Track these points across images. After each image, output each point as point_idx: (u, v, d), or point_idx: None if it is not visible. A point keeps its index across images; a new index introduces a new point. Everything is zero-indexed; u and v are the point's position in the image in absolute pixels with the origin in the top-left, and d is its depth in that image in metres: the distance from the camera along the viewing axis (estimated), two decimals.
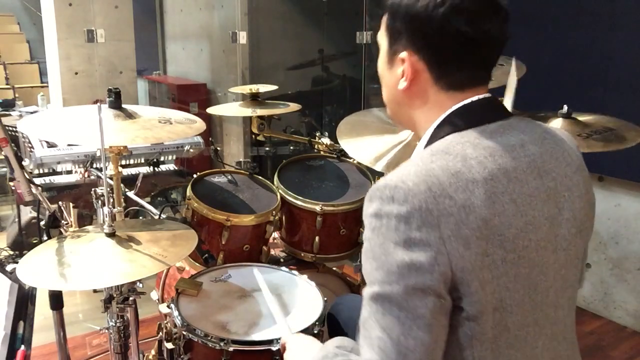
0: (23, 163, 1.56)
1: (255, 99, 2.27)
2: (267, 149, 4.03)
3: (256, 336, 1.45)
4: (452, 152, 0.85)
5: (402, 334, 0.78)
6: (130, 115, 1.55)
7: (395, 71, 0.94)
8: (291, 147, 3.28)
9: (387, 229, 0.80)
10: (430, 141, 0.92)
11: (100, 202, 1.66)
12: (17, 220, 3.10)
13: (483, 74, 0.94)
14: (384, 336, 0.79)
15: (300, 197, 2.01)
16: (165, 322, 1.60)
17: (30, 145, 2.56)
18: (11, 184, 2.41)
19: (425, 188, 0.79)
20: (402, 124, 1.04)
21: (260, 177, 2.16)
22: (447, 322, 0.82)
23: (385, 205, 0.80)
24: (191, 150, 2.68)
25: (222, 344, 1.40)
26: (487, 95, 0.93)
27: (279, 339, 1.40)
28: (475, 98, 0.92)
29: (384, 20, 0.97)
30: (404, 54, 0.91)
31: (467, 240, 0.79)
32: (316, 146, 2.33)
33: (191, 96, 4.85)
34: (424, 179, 0.80)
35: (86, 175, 2.38)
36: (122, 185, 1.66)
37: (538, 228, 0.87)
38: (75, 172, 2.49)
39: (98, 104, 1.33)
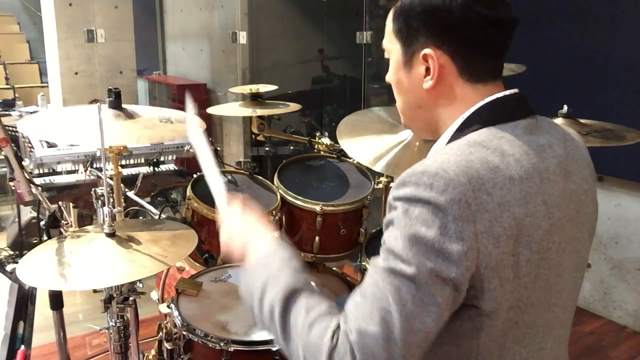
0: (23, 163, 1.56)
1: (255, 99, 2.27)
2: (267, 149, 4.03)
3: (256, 336, 1.45)
4: (489, 146, 0.84)
5: (412, 314, 0.76)
6: (130, 115, 1.55)
7: (415, 72, 0.92)
8: (291, 147, 3.28)
9: (421, 214, 0.78)
10: (458, 133, 0.90)
11: (100, 202, 1.66)
12: (17, 220, 3.10)
13: (499, 64, 0.93)
14: (393, 310, 0.76)
15: (300, 197, 2.01)
16: (165, 322, 1.60)
17: (30, 145, 2.56)
18: (11, 184, 2.41)
19: (466, 180, 0.78)
20: (421, 130, 1.02)
21: (260, 177, 2.16)
22: (449, 314, 0.81)
23: (421, 190, 0.78)
24: (191, 150, 2.68)
25: (222, 344, 1.40)
26: (516, 91, 0.93)
27: None
28: (505, 93, 0.91)
29: (390, 26, 0.95)
30: (427, 51, 0.89)
31: (498, 238, 0.79)
32: (316, 146, 2.33)
33: (191, 96, 4.85)
34: (464, 170, 0.79)
35: (88, 175, 2.38)
36: (122, 185, 1.66)
37: (561, 230, 0.87)
38: (77, 172, 2.49)
39: (98, 104, 1.33)
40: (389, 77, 1.00)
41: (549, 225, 0.85)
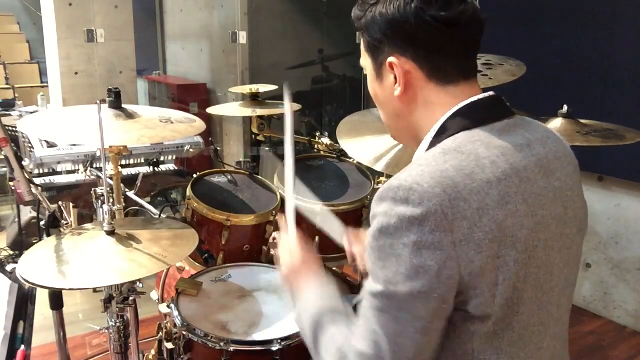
0: (23, 163, 1.56)
1: (255, 99, 2.26)
2: (267, 149, 4.03)
3: (256, 336, 1.45)
4: (464, 151, 0.84)
5: (398, 333, 0.79)
6: (130, 115, 1.55)
7: (387, 82, 0.95)
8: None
9: (398, 230, 0.79)
10: (436, 139, 0.91)
11: (100, 202, 1.66)
12: (17, 220, 3.10)
13: (470, 64, 0.94)
14: (380, 332, 0.80)
15: (300, 197, 2.00)
16: (165, 322, 1.60)
17: (30, 145, 2.56)
18: (11, 184, 2.41)
19: (441, 191, 0.78)
20: (406, 140, 1.03)
21: (260, 177, 2.16)
22: (444, 324, 0.83)
23: (398, 206, 0.79)
24: (191, 150, 2.68)
25: (222, 344, 1.40)
26: (492, 93, 0.93)
27: (279, 339, 1.40)
28: (481, 96, 0.92)
29: (362, 43, 0.98)
30: (391, 59, 0.91)
31: (479, 244, 0.79)
32: (316, 146, 2.33)
33: (191, 96, 4.85)
34: (439, 180, 0.79)
35: (88, 175, 2.38)
36: (122, 185, 1.66)
37: (546, 228, 0.87)
38: (77, 172, 2.48)
39: (98, 103, 1.33)
40: (371, 93, 1.02)
41: (533, 224, 0.85)
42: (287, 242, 1.23)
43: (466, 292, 0.80)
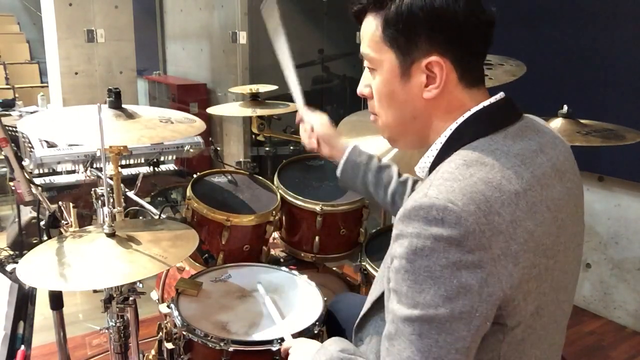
0: (23, 163, 1.56)
1: (255, 99, 2.26)
2: (267, 149, 4.03)
3: (256, 336, 1.45)
4: (487, 162, 0.81)
5: (439, 357, 0.76)
6: (130, 115, 1.55)
7: (414, 82, 0.88)
8: (291, 147, 3.27)
9: (434, 251, 0.75)
10: (449, 145, 0.88)
11: (100, 202, 1.66)
12: (17, 220, 3.10)
13: (483, 66, 0.93)
14: (417, 358, 0.77)
15: (300, 197, 2.01)
16: (165, 322, 1.60)
17: (30, 145, 2.56)
18: (11, 184, 2.41)
19: (475, 208, 0.75)
20: (410, 143, 0.98)
21: (260, 177, 2.16)
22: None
23: (432, 226, 0.76)
24: (191, 150, 2.68)
25: (222, 344, 1.40)
26: (503, 94, 0.92)
27: (279, 339, 1.40)
28: (493, 100, 0.90)
29: (377, 33, 0.89)
30: (433, 58, 0.85)
31: (516, 255, 0.77)
32: None
33: (191, 96, 4.85)
34: (471, 196, 0.76)
35: (88, 176, 2.38)
36: (122, 185, 1.66)
37: (565, 230, 0.87)
38: (77, 172, 2.48)
39: (98, 105, 1.33)
40: (374, 90, 0.94)
41: (556, 229, 0.85)
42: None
43: (505, 306, 0.79)
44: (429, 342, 0.76)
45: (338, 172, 1.40)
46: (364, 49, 0.93)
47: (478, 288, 0.75)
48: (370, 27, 0.90)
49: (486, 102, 0.89)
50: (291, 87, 1.52)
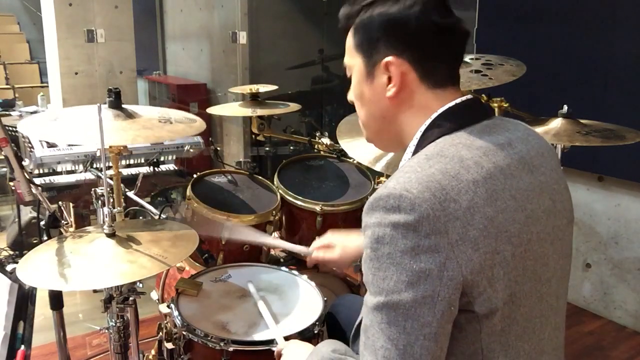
0: (23, 163, 1.56)
1: (255, 99, 2.26)
2: (267, 149, 4.03)
3: (256, 336, 1.45)
4: (447, 154, 0.85)
5: (409, 343, 0.79)
6: (130, 115, 1.55)
7: (378, 82, 0.95)
8: (291, 147, 3.28)
9: (393, 238, 0.79)
10: (420, 145, 0.93)
11: (100, 202, 1.66)
12: (17, 220, 3.10)
13: (457, 70, 0.97)
14: (389, 346, 0.79)
15: (300, 197, 2.01)
16: (165, 322, 1.60)
17: (30, 145, 2.56)
18: (11, 184, 2.41)
19: (430, 195, 0.79)
20: (386, 142, 1.05)
21: (260, 177, 2.16)
22: (451, 327, 0.83)
23: (390, 214, 0.80)
24: (191, 150, 2.68)
25: (222, 344, 1.40)
26: (470, 96, 0.96)
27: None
28: (459, 100, 0.94)
29: (350, 42, 0.98)
30: (388, 59, 0.92)
31: (475, 241, 0.80)
32: (316, 146, 2.33)
33: (191, 96, 4.85)
34: (427, 185, 0.80)
35: (91, 173, 2.38)
36: (122, 185, 1.66)
37: (537, 221, 0.89)
38: (77, 171, 2.48)
39: (99, 106, 1.33)
40: (351, 94, 1.03)
41: (524, 218, 0.87)
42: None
43: (469, 292, 0.81)
44: (397, 329, 0.79)
45: None
46: (345, 58, 1.02)
47: (437, 272, 0.78)
48: (348, 38, 1.00)
49: (452, 103, 0.93)
50: (289, 248, 1.74)
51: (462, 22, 0.94)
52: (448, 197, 0.80)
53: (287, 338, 1.42)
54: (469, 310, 0.82)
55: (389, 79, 0.93)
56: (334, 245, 1.56)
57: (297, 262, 2.08)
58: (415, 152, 0.93)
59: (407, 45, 0.91)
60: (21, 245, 3.09)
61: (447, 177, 0.81)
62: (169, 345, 1.53)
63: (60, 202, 2.45)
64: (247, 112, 2.18)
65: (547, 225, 0.91)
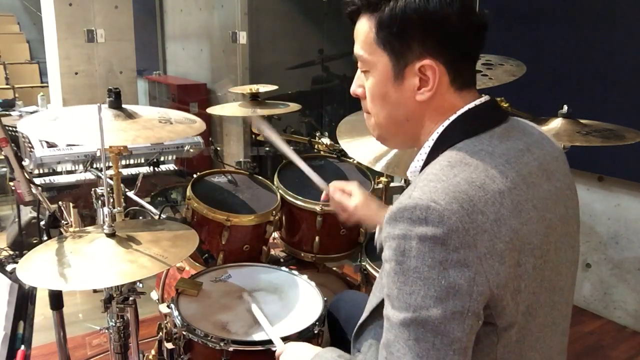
0: (23, 163, 1.56)
1: (255, 99, 2.26)
2: (267, 149, 4.03)
3: (256, 336, 1.45)
4: (471, 162, 0.82)
5: (438, 359, 0.76)
6: (130, 115, 1.55)
7: (408, 84, 0.88)
8: (291, 147, 3.27)
9: (420, 251, 0.76)
10: (437, 147, 0.89)
11: (100, 202, 1.66)
12: (17, 220, 3.10)
13: (475, 69, 0.94)
14: None
15: (300, 197, 2.01)
16: (165, 322, 1.60)
17: (30, 145, 2.55)
18: (11, 184, 2.41)
19: (458, 206, 0.76)
20: (401, 143, 1.00)
21: (260, 177, 2.16)
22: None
23: (417, 226, 0.76)
24: (191, 150, 2.68)
25: (222, 344, 1.40)
26: (488, 97, 0.92)
27: (279, 339, 1.40)
28: (477, 102, 0.90)
29: (369, 35, 0.90)
30: (426, 62, 0.85)
31: (502, 254, 0.77)
32: (316, 146, 2.33)
33: (191, 96, 4.85)
34: (454, 196, 0.77)
35: (92, 173, 2.37)
36: (122, 185, 1.66)
37: (554, 230, 0.87)
38: (77, 171, 2.48)
39: (99, 106, 1.33)
40: (367, 90, 0.94)
41: (544, 228, 0.85)
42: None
43: (494, 306, 0.79)
44: (426, 345, 0.76)
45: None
46: (358, 50, 0.94)
47: (467, 287, 0.75)
48: (364, 29, 0.91)
49: (471, 105, 0.89)
50: (308, 174, 1.68)
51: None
52: (476, 209, 0.77)
53: (287, 338, 1.42)
54: (490, 323, 0.81)
55: (420, 81, 0.87)
56: (354, 194, 1.45)
57: (297, 262, 2.08)
58: (431, 153, 0.89)
59: (446, 46, 0.85)
60: (21, 245, 3.09)
61: (473, 188, 0.78)
62: (169, 345, 1.53)
63: (60, 202, 2.45)
64: (247, 112, 2.18)
65: (562, 233, 0.89)
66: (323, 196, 1.54)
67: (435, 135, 0.90)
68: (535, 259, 0.82)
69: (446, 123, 0.89)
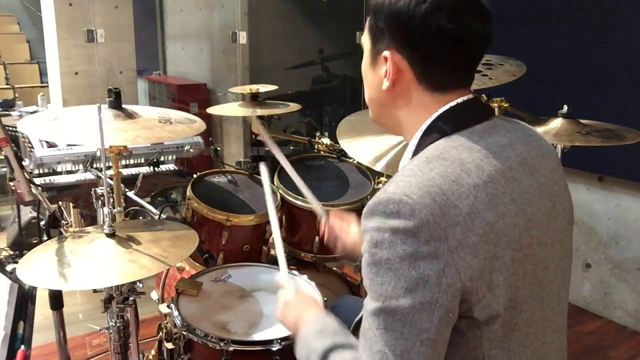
0: (23, 163, 1.56)
1: (255, 99, 2.26)
2: (267, 149, 4.03)
3: (256, 336, 1.45)
4: (448, 157, 0.84)
5: (406, 349, 0.78)
6: (130, 115, 1.55)
7: (378, 71, 0.94)
8: (291, 147, 3.28)
9: (392, 243, 0.78)
10: (419, 146, 0.91)
11: (100, 202, 1.66)
12: (17, 220, 3.10)
13: (466, 76, 0.93)
14: (386, 351, 0.79)
15: (300, 197, 2.01)
16: (165, 322, 1.60)
17: (30, 145, 2.55)
18: (11, 184, 2.41)
19: (430, 200, 0.78)
20: (386, 127, 1.03)
21: (260, 177, 2.16)
22: (449, 333, 0.82)
23: (389, 219, 0.79)
24: (191, 150, 2.68)
25: (222, 344, 1.40)
26: (471, 96, 0.93)
27: (279, 339, 1.40)
28: (459, 100, 0.91)
29: (368, 21, 0.96)
30: (386, 53, 0.90)
31: (475, 247, 0.79)
32: (316, 146, 2.33)
33: (191, 96, 4.85)
34: (427, 190, 0.79)
35: (92, 173, 2.37)
36: (122, 185, 1.66)
37: (537, 224, 0.88)
38: (77, 171, 2.48)
39: (98, 106, 1.33)
40: (362, 70, 1.00)
41: (524, 222, 0.85)
42: (284, 292, 1.20)
43: (469, 299, 0.80)
44: (394, 334, 0.78)
45: None
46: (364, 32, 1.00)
47: (436, 279, 0.77)
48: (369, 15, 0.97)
49: (453, 103, 0.91)
50: (306, 195, 1.63)
51: (478, 28, 0.87)
52: (448, 202, 0.78)
53: (286, 338, 1.42)
54: (469, 317, 0.82)
55: (386, 72, 0.91)
56: (352, 224, 1.44)
57: (297, 262, 2.08)
58: (415, 152, 0.91)
59: (406, 44, 0.89)
60: (21, 245, 3.09)
61: (447, 182, 0.80)
62: (169, 345, 1.53)
63: (60, 202, 2.45)
64: (247, 112, 2.18)
65: (547, 228, 0.90)
66: (321, 231, 1.55)
67: (419, 134, 0.92)
68: (514, 251, 0.83)
69: (429, 121, 0.91)
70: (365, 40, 0.96)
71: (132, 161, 2.63)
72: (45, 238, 1.53)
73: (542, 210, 0.89)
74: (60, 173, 2.48)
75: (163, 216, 1.71)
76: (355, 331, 1.09)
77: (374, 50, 0.94)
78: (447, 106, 0.91)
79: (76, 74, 3.69)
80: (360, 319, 1.04)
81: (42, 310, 1.58)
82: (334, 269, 2.17)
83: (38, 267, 1.27)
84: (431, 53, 0.88)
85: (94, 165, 2.33)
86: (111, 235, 1.35)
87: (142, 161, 2.65)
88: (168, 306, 1.57)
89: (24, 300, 1.48)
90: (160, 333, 1.60)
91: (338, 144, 2.02)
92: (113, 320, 1.56)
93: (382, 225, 0.79)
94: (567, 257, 0.97)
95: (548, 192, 0.92)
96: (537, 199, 0.89)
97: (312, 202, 1.60)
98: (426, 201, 0.78)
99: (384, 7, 0.89)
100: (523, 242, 0.85)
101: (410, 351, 0.78)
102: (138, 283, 1.49)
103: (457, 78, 0.92)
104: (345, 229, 1.43)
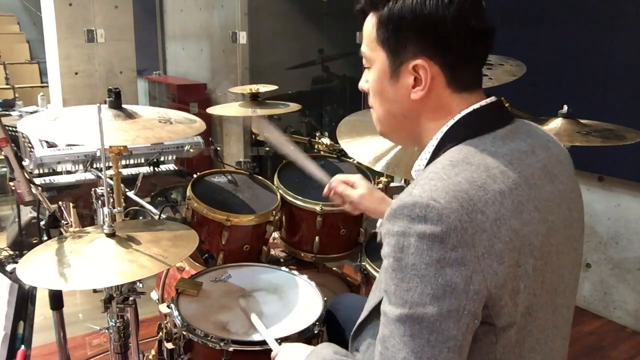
0: (23, 163, 1.56)
1: (255, 99, 2.26)
2: (267, 149, 4.03)
3: (256, 336, 1.45)
4: (473, 162, 0.83)
5: (433, 356, 0.77)
6: (130, 115, 1.55)
7: (403, 82, 0.90)
8: (291, 147, 3.27)
9: (419, 249, 0.77)
10: (440, 147, 0.90)
11: (100, 202, 1.66)
12: (17, 220, 3.10)
13: (481, 72, 0.94)
14: (412, 358, 0.77)
15: (300, 197, 2.01)
16: (165, 322, 1.60)
17: (30, 145, 2.56)
18: (11, 184, 2.41)
19: (458, 205, 0.76)
20: (402, 139, 1.01)
21: (260, 177, 2.16)
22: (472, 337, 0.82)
23: (415, 224, 0.77)
24: (191, 150, 2.68)
25: (222, 344, 1.40)
26: (494, 98, 0.93)
27: (279, 339, 1.40)
28: (483, 103, 0.91)
29: (372, 33, 0.92)
30: (419, 61, 0.87)
31: (501, 254, 0.78)
32: (316, 146, 2.33)
33: (191, 96, 4.85)
34: (454, 195, 0.77)
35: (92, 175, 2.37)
36: (122, 185, 1.66)
37: (557, 232, 0.87)
38: (77, 171, 2.48)
39: (98, 106, 1.33)
40: (369, 85, 0.97)
41: (546, 230, 0.85)
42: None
43: (492, 305, 0.79)
44: (421, 342, 0.77)
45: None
46: (362, 46, 0.96)
47: (464, 286, 0.76)
48: (368, 27, 0.93)
49: (476, 105, 0.90)
50: (310, 169, 1.69)
51: (490, 25, 0.88)
52: (475, 208, 0.77)
53: (287, 338, 1.42)
54: (488, 323, 0.81)
55: (415, 80, 0.89)
56: (357, 186, 1.50)
57: (297, 262, 2.08)
58: (434, 153, 0.90)
59: (440, 48, 0.86)
60: (21, 245, 3.09)
61: (474, 187, 0.79)
62: (169, 345, 1.53)
63: (60, 202, 2.45)
64: (247, 112, 2.18)
65: (564, 236, 0.89)
66: (325, 190, 1.55)
67: (439, 135, 0.91)
68: (536, 260, 0.82)
69: (450, 123, 0.90)
70: (375, 54, 0.92)
71: (132, 161, 2.63)
72: (45, 238, 1.53)
73: (560, 218, 0.88)
74: (60, 173, 2.48)
75: (163, 216, 1.71)
76: (358, 333, 1.09)
77: (395, 62, 0.90)
78: (471, 108, 0.90)
79: (76, 74, 3.69)
80: (364, 321, 1.04)
81: (42, 310, 1.58)
82: (334, 269, 2.17)
83: (38, 267, 1.27)
84: (462, 54, 0.87)
85: (94, 165, 2.33)
86: (111, 235, 1.35)
87: (142, 161, 2.65)
88: (168, 306, 1.57)
89: (24, 300, 1.48)
90: (160, 333, 1.60)
91: (338, 144, 2.02)
92: (113, 320, 1.56)
93: (407, 229, 0.78)
94: (578, 265, 0.97)
95: (566, 200, 0.91)
96: (556, 206, 0.88)
97: (317, 172, 1.66)
98: (454, 206, 0.76)
99: (405, 15, 0.86)
100: (544, 250, 0.84)
101: (437, 358, 0.77)
102: (138, 283, 1.49)
103: (479, 75, 0.92)
104: (350, 191, 1.50)
